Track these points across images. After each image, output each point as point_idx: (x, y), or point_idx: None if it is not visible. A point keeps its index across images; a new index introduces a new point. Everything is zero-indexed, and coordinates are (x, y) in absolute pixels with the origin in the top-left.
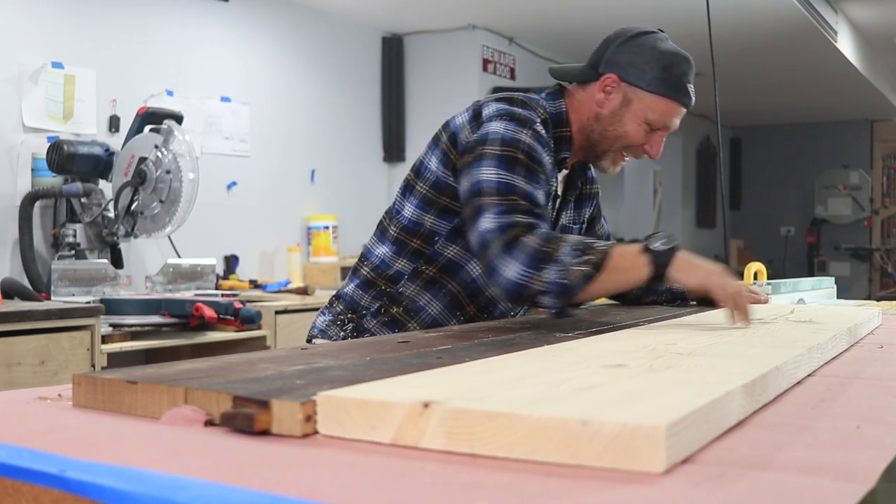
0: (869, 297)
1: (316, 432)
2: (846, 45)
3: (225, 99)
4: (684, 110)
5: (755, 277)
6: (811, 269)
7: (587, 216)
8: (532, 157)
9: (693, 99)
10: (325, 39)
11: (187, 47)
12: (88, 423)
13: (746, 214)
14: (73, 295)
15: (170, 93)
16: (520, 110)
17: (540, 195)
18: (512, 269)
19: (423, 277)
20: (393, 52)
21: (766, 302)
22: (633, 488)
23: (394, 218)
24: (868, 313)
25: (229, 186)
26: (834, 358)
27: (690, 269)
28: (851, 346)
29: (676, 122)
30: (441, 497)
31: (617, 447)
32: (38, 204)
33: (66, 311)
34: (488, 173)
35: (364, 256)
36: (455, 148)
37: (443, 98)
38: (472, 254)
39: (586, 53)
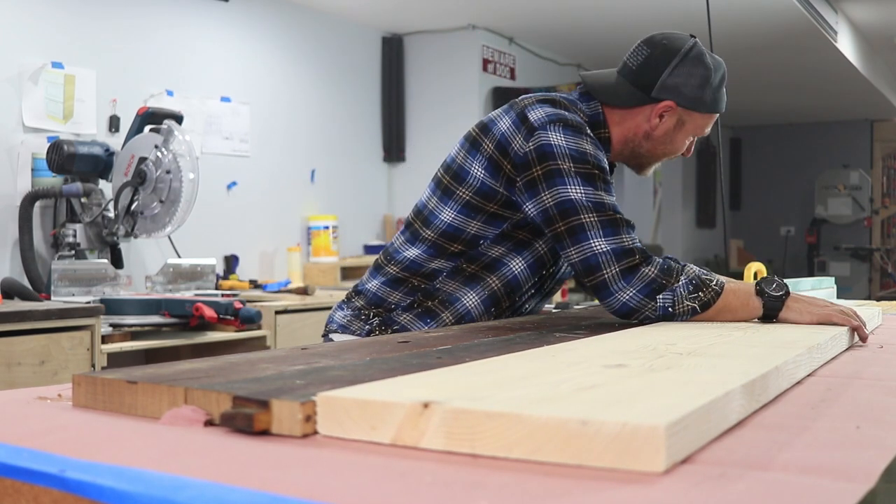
0: (869, 297)
1: (316, 432)
2: (846, 44)
3: (225, 99)
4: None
5: (755, 277)
6: (811, 269)
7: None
8: (601, 168)
9: (725, 105)
10: (326, 39)
11: (187, 47)
12: (88, 423)
13: (746, 214)
14: (73, 295)
15: (170, 93)
16: (568, 115)
17: (617, 203)
18: (628, 295)
19: (463, 274)
20: (393, 52)
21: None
22: (634, 488)
23: (430, 222)
24: (868, 313)
25: (229, 186)
26: (834, 358)
27: (803, 309)
28: (852, 346)
29: (708, 131)
30: (441, 497)
31: (617, 447)
32: (38, 204)
33: (66, 311)
34: (575, 191)
35: (390, 256)
36: (506, 157)
37: (443, 98)
38: (575, 272)
39: (586, 53)
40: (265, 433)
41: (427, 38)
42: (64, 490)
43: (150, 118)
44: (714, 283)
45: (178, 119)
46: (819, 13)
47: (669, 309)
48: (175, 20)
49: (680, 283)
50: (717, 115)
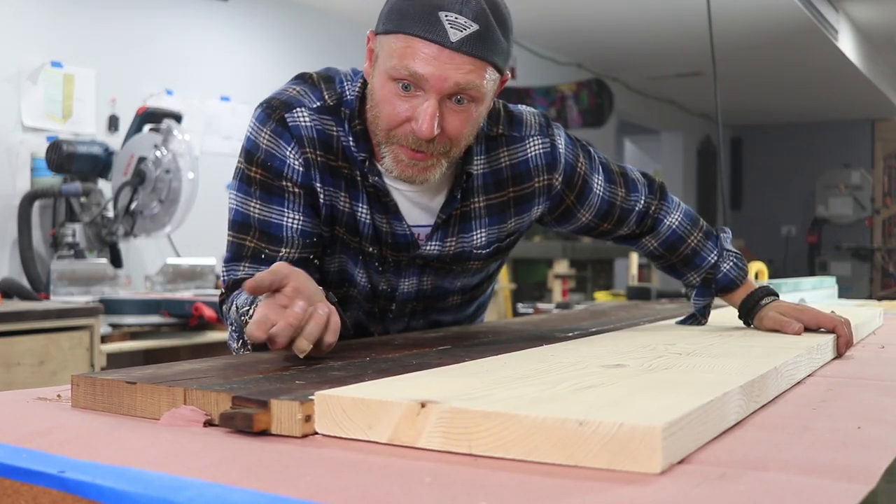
0: (870, 297)
1: (315, 432)
2: (847, 44)
3: (225, 99)
4: (439, 52)
5: (756, 277)
6: (812, 268)
7: (540, 215)
8: (266, 169)
9: (446, 29)
10: (326, 39)
11: (187, 47)
12: (87, 424)
13: (747, 214)
14: (73, 295)
15: (169, 92)
16: (281, 95)
17: (279, 216)
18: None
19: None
20: None
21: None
22: (633, 488)
23: None
24: (869, 313)
25: (229, 186)
26: (835, 358)
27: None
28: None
29: (429, 70)
30: (440, 497)
31: (614, 448)
32: (37, 204)
33: (66, 311)
34: (231, 196)
35: None
36: None
37: None
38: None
39: (586, 53)
40: (265, 433)
41: None
42: (63, 491)
43: (150, 118)
44: (249, 314)
45: (178, 119)
46: (820, 12)
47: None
48: (175, 20)
49: (229, 330)
50: (413, 39)
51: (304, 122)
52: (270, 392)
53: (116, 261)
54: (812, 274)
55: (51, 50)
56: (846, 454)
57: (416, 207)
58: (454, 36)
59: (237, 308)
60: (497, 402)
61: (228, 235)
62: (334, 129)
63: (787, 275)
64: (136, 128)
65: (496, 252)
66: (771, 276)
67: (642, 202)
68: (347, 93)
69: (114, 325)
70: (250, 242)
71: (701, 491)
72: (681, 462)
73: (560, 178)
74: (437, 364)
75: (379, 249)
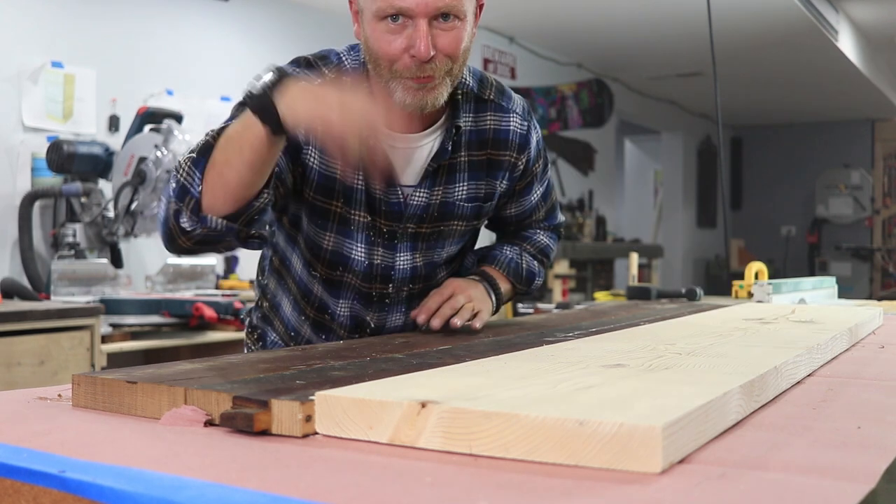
0: (870, 297)
1: (315, 432)
2: (847, 44)
3: (225, 99)
4: None
5: (756, 277)
6: (812, 268)
7: (501, 190)
8: None
9: None
10: (326, 39)
11: (187, 47)
12: (88, 424)
13: (747, 214)
14: (73, 295)
15: (170, 92)
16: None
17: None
18: (160, 215)
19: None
20: None
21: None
22: (634, 488)
23: None
24: (869, 313)
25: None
26: (835, 358)
27: (297, 97)
28: (852, 346)
29: (412, 0)
30: (440, 497)
31: (614, 447)
32: (37, 204)
33: (66, 311)
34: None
35: None
36: None
37: None
38: None
39: (586, 53)
40: (265, 433)
41: None
42: (64, 490)
43: (150, 118)
44: (222, 125)
45: (178, 119)
46: (820, 12)
47: (174, 186)
48: (175, 20)
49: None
50: None
51: None
52: (271, 392)
53: (117, 261)
54: (812, 274)
55: (51, 50)
56: (846, 454)
57: (410, 166)
58: None
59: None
60: (497, 402)
61: (207, 134)
62: None
63: (787, 275)
64: (136, 128)
65: (477, 212)
66: (771, 276)
67: (540, 234)
68: (347, 62)
69: (114, 325)
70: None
71: (701, 491)
72: (681, 462)
73: (523, 163)
74: (437, 364)
75: (372, 219)
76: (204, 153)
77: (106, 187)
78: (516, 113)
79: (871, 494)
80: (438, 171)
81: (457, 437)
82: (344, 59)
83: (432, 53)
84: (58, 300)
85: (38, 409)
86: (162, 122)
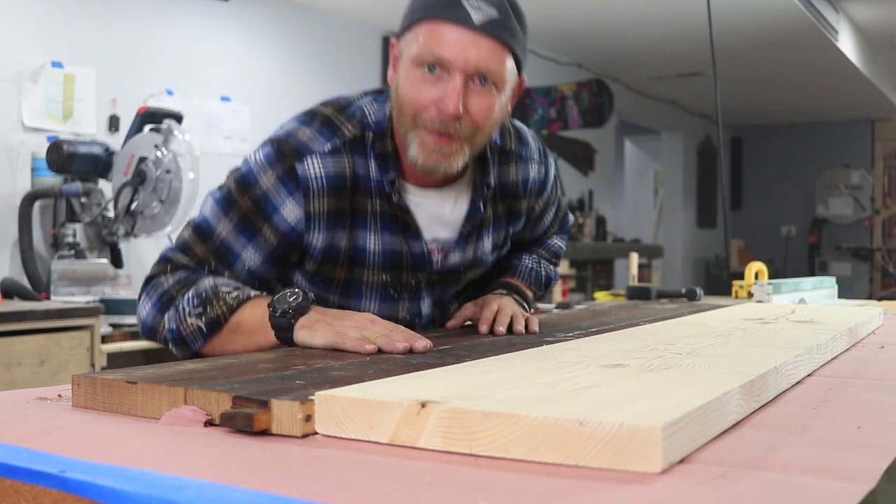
0: (870, 297)
1: (315, 432)
2: (847, 44)
3: (225, 99)
4: (461, 32)
5: (756, 277)
6: (812, 269)
7: (517, 230)
8: (256, 203)
9: (467, 10)
10: (326, 39)
11: (187, 47)
12: (88, 424)
13: (747, 214)
14: (73, 295)
15: (170, 92)
16: (290, 139)
17: (241, 248)
18: (144, 310)
19: None
20: None
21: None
22: (634, 488)
23: None
24: (869, 313)
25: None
26: (835, 358)
27: (317, 329)
28: (852, 346)
29: (452, 48)
30: (440, 497)
31: (614, 447)
32: (37, 204)
33: (66, 311)
34: (202, 206)
35: None
36: None
37: None
38: None
39: (586, 53)
40: (265, 433)
41: None
42: (64, 490)
43: (150, 118)
44: (232, 296)
45: (178, 119)
46: (820, 12)
47: (175, 328)
48: (175, 20)
49: (187, 296)
50: (439, 23)
51: (315, 171)
52: (271, 392)
53: (117, 261)
54: (812, 274)
55: (51, 50)
56: (846, 454)
57: (435, 223)
58: (476, 18)
59: (215, 285)
60: (497, 402)
61: (185, 229)
62: (348, 166)
63: (787, 275)
64: (136, 128)
65: (496, 257)
66: (771, 276)
67: (553, 238)
68: (371, 115)
69: (114, 325)
70: (200, 251)
71: (701, 491)
72: (681, 462)
73: (540, 206)
74: (437, 364)
75: (396, 275)
76: (213, 329)
77: (106, 187)
78: (534, 160)
79: (871, 494)
80: (472, 231)
81: (457, 437)
82: (367, 112)
83: (461, 112)
84: (58, 300)
85: (38, 409)
86: (162, 122)
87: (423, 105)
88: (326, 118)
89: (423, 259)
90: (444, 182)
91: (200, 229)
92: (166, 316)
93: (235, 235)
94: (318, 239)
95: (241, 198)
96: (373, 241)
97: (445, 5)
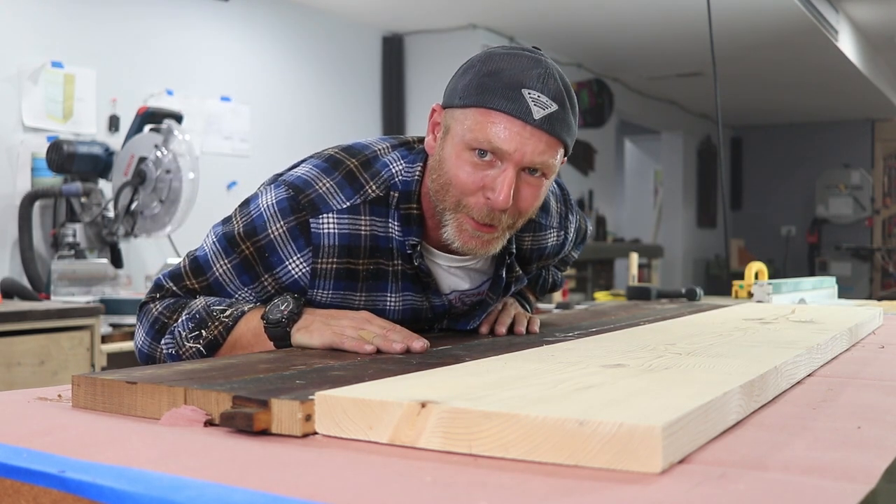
0: (870, 297)
1: (315, 432)
2: (847, 44)
3: (225, 99)
4: (521, 127)
5: (756, 277)
6: (812, 268)
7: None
8: (259, 249)
9: (529, 106)
10: (326, 39)
11: (187, 47)
12: (88, 424)
13: (747, 214)
14: (73, 295)
15: (170, 92)
16: (312, 190)
17: (235, 289)
18: (139, 337)
19: None
20: (393, 51)
21: (422, 349)
22: (634, 488)
23: None
24: (869, 313)
25: (229, 186)
26: (835, 358)
27: (313, 330)
28: (852, 346)
29: (511, 142)
30: (441, 497)
31: (614, 447)
32: (37, 204)
33: (66, 311)
34: (205, 239)
35: None
36: None
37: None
38: None
39: (586, 53)
40: (265, 433)
41: (427, 37)
42: (64, 490)
43: (150, 118)
44: (227, 314)
45: (178, 119)
46: (820, 12)
47: (174, 354)
48: (175, 20)
49: (181, 320)
50: (496, 113)
51: (329, 229)
52: (271, 391)
53: (117, 261)
54: (812, 274)
55: (51, 50)
56: (846, 454)
57: (455, 278)
58: (537, 114)
59: (207, 305)
60: (497, 402)
61: (183, 261)
62: (364, 227)
63: (787, 275)
64: (136, 128)
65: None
66: (771, 276)
67: (573, 252)
68: (399, 175)
69: (114, 325)
70: (191, 284)
71: (701, 491)
72: (681, 462)
73: (556, 261)
74: (437, 364)
75: (414, 324)
76: (212, 350)
77: (106, 187)
78: (552, 227)
79: (871, 494)
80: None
81: (457, 437)
82: (394, 171)
83: (510, 204)
84: (58, 300)
85: (38, 409)
86: (162, 122)
87: (470, 190)
88: (350, 172)
89: (443, 310)
90: None
91: (197, 263)
92: (163, 342)
93: (231, 277)
94: (325, 296)
95: (245, 242)
96: (393, 301)
97: (506, 97)
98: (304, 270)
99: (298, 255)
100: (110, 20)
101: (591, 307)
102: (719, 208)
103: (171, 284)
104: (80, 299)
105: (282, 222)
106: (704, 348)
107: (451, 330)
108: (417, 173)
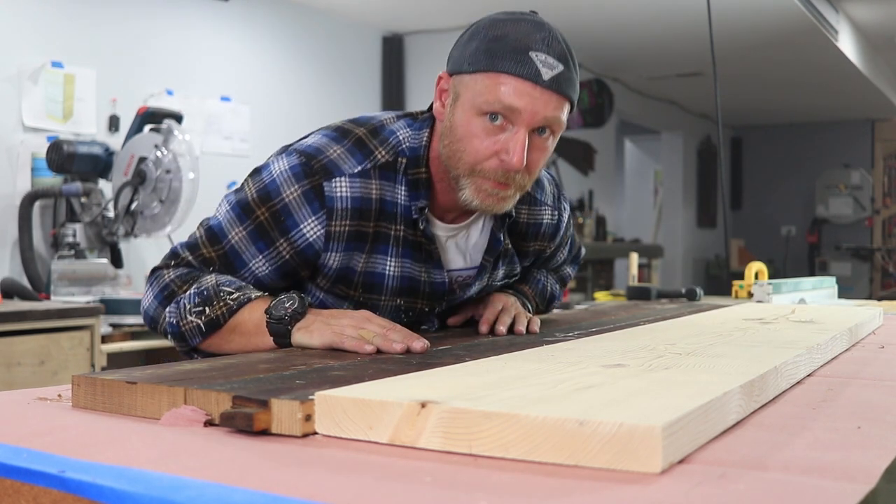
0: (870, 297)
1: (315, 432)
2: (847, 44)
3: (225, 99)
4: (532, 88)
5: (756, 277)
6: (812, 268)
7: (519, 270)
8: (274, 214)
9: (538, 67)
10: (326, 39)
11: (187, 47)
12: (88, 424)
13: (747, 214)
14: (73, 295)
15: (170, 92)
16: (323, 156)
17: (251, 257)
18: (146, 300)
19: None
20: (393, 51)
21: (422, 350)
22: (634, 488)
23: None
24: (869, 313)
25: (229, 186)
26: (835, 358)
27: (314, 329)
28: (852, 346)
29: (523, 103)
30: (441, 497)
31: (614, 447)
32: (37, 204)
33: (66, 311)
34: (218, 208)
35: None
36: None
37: None
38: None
39: (586, 53)
40: (265, 433)
41: (428, 37)
42: (64, 490)
43: (150, 118)
44: (233, 297)
45: (178, 119)
46: (820, 12)
47: (175, 323)
48: (175, 20)
49: (189, 292)
50: (506, 76)
51: (342, 192)
52: (271, 391)
53: (117, 261)
54: (812, 274)
55: (51, 50)
56: (846, 454)
57: (457, 253)
58: (546, 75)
59: (217, 284)
60: (497, 402)
61: (198, 230)
62: (374, 190)
63: (787, 275)
64: (136, 128)
65: (504, 285)
66: (771, 276)
67: (565, 266)
68: (407, 141)
69: (114, 325)
70: (208, 253)
71: (701, 491)
72: (681, 462)
73: (552, 248)
74: (437, 364)
75: (411, 301)
76: (211, 329)
77: (106, 187)
78: (547, 205)
79: (871, 494)
80: (492, 262)
81: (457, 437)
82: (402, 138)
83: (524, 164)
84: (58, 300)
85: (38, 409)
86: (162, 122)
87: (485, 155)
88: (359, 139)
89: (442, 289)
90: (466, 216)
91: (212, 232)
92: (167, 310)
93: (246, 244)
94: (334, 259)
95: (260, 207)
96: (392, 266)
97: (516, 60)
98: (318, 233)
99: (313, 218)
100: (110, 20)
101: (591, 307)
102: (719, 208)
103: (187, 254)
104: (80, 299)
105: (296, 186)
106: (704, 348)
107: (450, 328)
108: (425, 139)
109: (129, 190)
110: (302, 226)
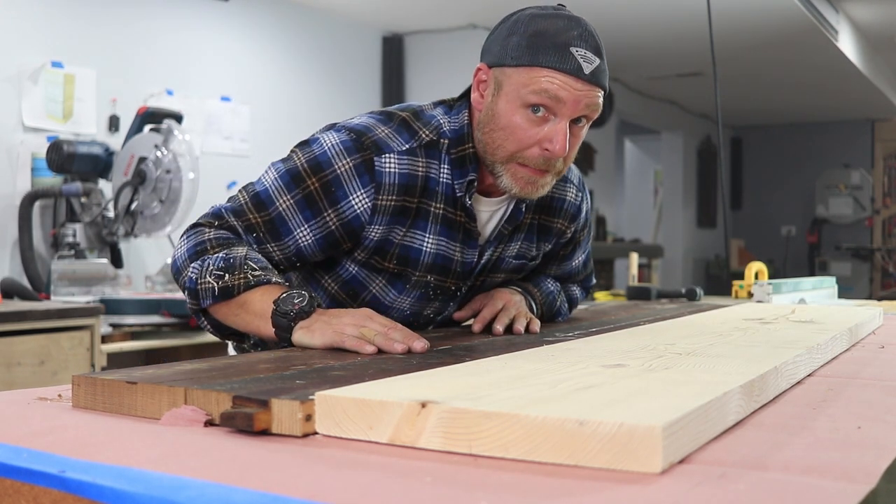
0: (870, 297)
1: (316, 432)
2: (847, 44)
3: (225, 99)
4: (574, 81)
5: (756, 277)
6: (812, 268)
7: (545, 251)
8: (325, 183)
9: (579, 62)
10: (326, 39)
11: (187, 47)
12: (88, 424)
13: (747, 214)
14: (73, 295)
15: (170, 92)
16: (373, 134)
17: (296, 225)
18: (179, 250)
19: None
20: (393, 51)
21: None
22: (634, 488)
23: None
24: (869, 313)
25: (229, 186)
26: (835, 358)
27: (315, 329)
28: (852, 346)
29: (567, 96)
30: (441, 497)
31: (614, 447)
32: (37, 204)
33: (66, 311)
34: (263, 175)
35: None
36: None
37: (444, 97)
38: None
39: None
40: (265, 433)
41: (427, 37)
42: (64, 490)
43: (150, 118)
44: (255, 273)
45: (178, 119)
46: (820, 12)
47: (194, 279)
48: (175, 20)
49: (218, 255)
50: (548, 71)
51: (391, 168)
52: (271, 391)
53: (117, 261)
54: (812, 274)
55: (51, 50)
56: (846, 454)
57: (486, 227)
58: (587, 69)
59: (245, 256)
60: (497, 402)
61: (241, 193)
62: (421, 167)
63: (787, 275)
64: (136, 128)
65: (520, 269)
66: (771, 276)
67: (575, 287)
68: (447, 124)
69: (114, 325)
70: (254, 219)
71: (701, 491)
72: (681, 462)
73: (571, 232)
74: (437, 364)
75: (441, 279)
76: (224, 296)
77: (106, 187)
78: (573, 183)
79: (871, 494)
80: (511, 231)
81: (457, 437)
82: (443, 123)
83: (566, 153)
84: (58, 300)
85: (38, 409)
86: (162, 122)
87: (527, 144)
88: (404, 120)
89: (470, 268)
90: (501, 192)
91: (258, 198)
92: (192, 265)
93: (294, 212)
94: (376, 232)
95: (311, 177)
96: (429, 242)
97: (558, 56)
98: (366, 206)
99: (362, 190)
100: (110, 20)
101: (591, 307)
102: (719, 208)
103: (231, 217)
104: (80, 299)
105: (348, 159)
106: (704, 348)
107: (450, 328)
108: (464, 121)
109: (129, 190)
110: (351, 198)
